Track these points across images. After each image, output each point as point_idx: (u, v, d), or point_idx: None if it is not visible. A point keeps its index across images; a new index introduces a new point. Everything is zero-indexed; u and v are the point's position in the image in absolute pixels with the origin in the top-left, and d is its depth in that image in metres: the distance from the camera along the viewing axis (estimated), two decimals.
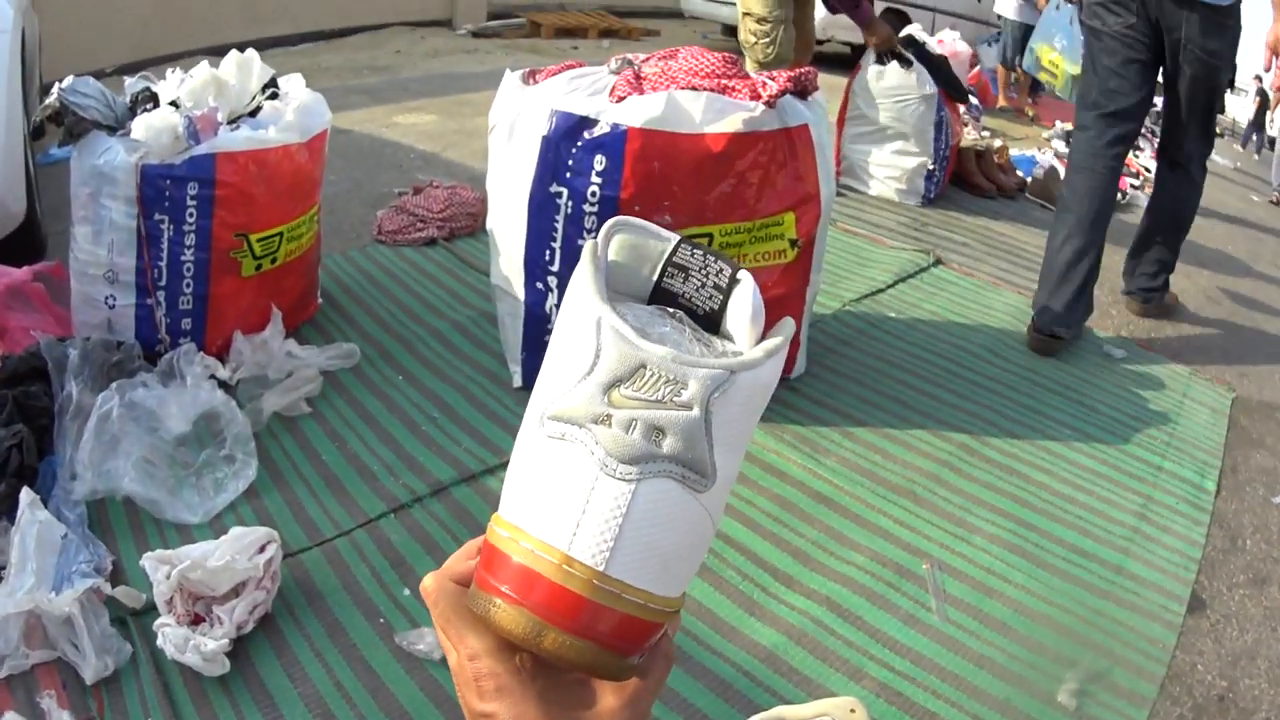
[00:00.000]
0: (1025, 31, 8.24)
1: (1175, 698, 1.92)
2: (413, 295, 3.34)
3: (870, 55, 4.84)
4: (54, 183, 3.41)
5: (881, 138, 4.93)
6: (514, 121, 2.53)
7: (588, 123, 2.42)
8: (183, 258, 2.54)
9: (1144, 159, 7.10)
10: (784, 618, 1.98)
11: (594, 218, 2.44)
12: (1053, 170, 5.48)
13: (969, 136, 5.72)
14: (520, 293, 2.59)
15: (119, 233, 2.48)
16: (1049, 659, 1.95)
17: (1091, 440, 2.80)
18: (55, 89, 2.47)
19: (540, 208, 2.48)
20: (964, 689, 1.85)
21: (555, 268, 2.52)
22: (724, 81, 2.51)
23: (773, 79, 2.50)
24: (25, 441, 2.10)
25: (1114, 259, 4.57)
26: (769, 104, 2.44)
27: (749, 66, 4.15)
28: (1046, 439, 2.77)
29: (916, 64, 4.73)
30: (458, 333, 3.08)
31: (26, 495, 1.90)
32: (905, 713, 1.79)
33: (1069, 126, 7.24)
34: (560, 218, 2.47)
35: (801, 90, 2.57)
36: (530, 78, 2.62)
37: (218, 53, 2.80)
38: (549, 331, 2.59)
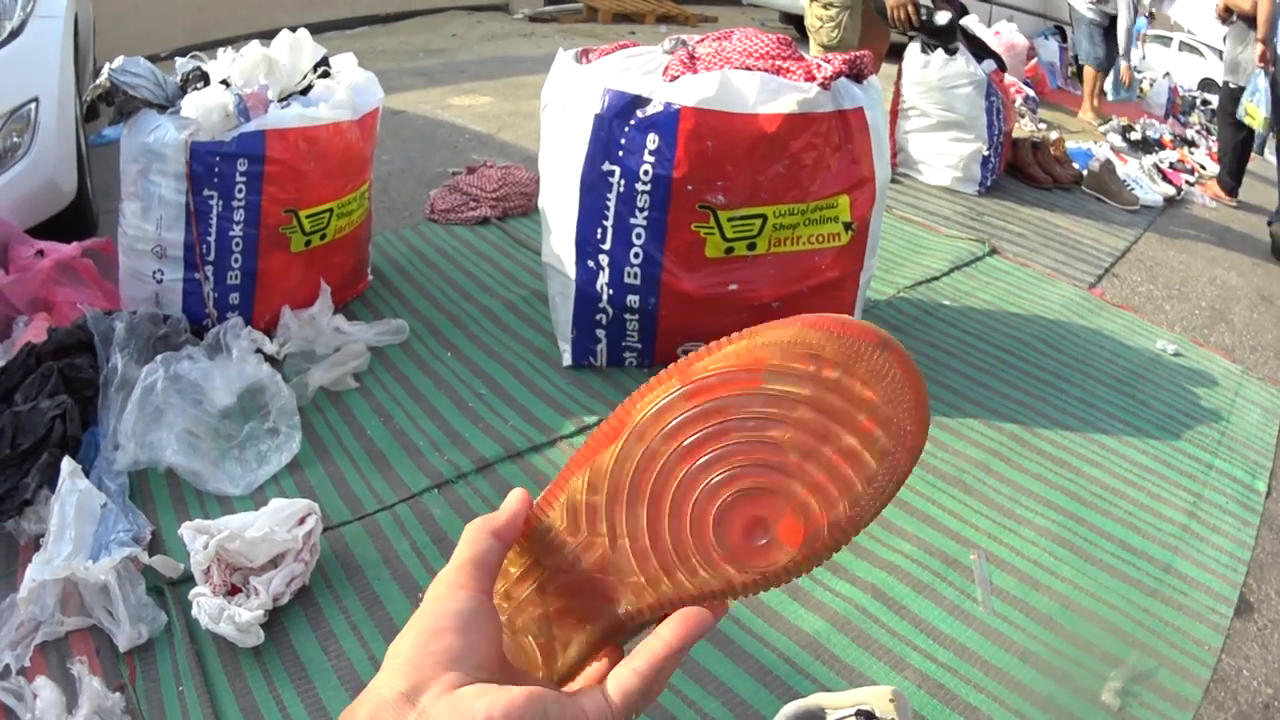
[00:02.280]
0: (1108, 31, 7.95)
1: (1220, 703, 1.85)
2: (464, 273, 3.31)
3: (915, 45, 4.76)
4: (105, 163, 3.41)
5: (935, 126, 4.85)
6: (567, 100, 2.50)
7: (641, 101, 2.39)
8: (231, 233, 2.53)
9: (1199, 155, 6.99)
10: (828, 604, 1.94)
11: (646, 196, 2.41)
12: (1108, 164, 5.36)
13: (1025, 128, 5.63)
14: (571, 271, 2.56)
15: (168, 208, 2.48)
16: (1095, 656, 1.89)
17: (1143, 435, 2.72)
18: (105, 69, 2.46)
19: (592, 187, 2.45)
20: (1007, 683, 1.79)
21: (607, 246, 2.48)
22: (778, 63, 2.46)
23: (827, 61, 2.45)
24: (69, 412, 2.10)
25: (1169, 254, 4.51)
26: (824, 85, 2.39)
27: (813, 50, 4.11)
28: (1098, 432, 2.70)
29: (963, 49, 4.64)
30: (508, 311, 3.05)
31: (67, 464, 1.90)
32: (946, 705, 1.74)
33: (1124, 121, 7.14)
34: (612, 196, 2.43)
35: (857, 74, 2.51)
36: (583, 57, 2.59)
37: (272, 37, 2.79)
38: (600, 310, 2.62)
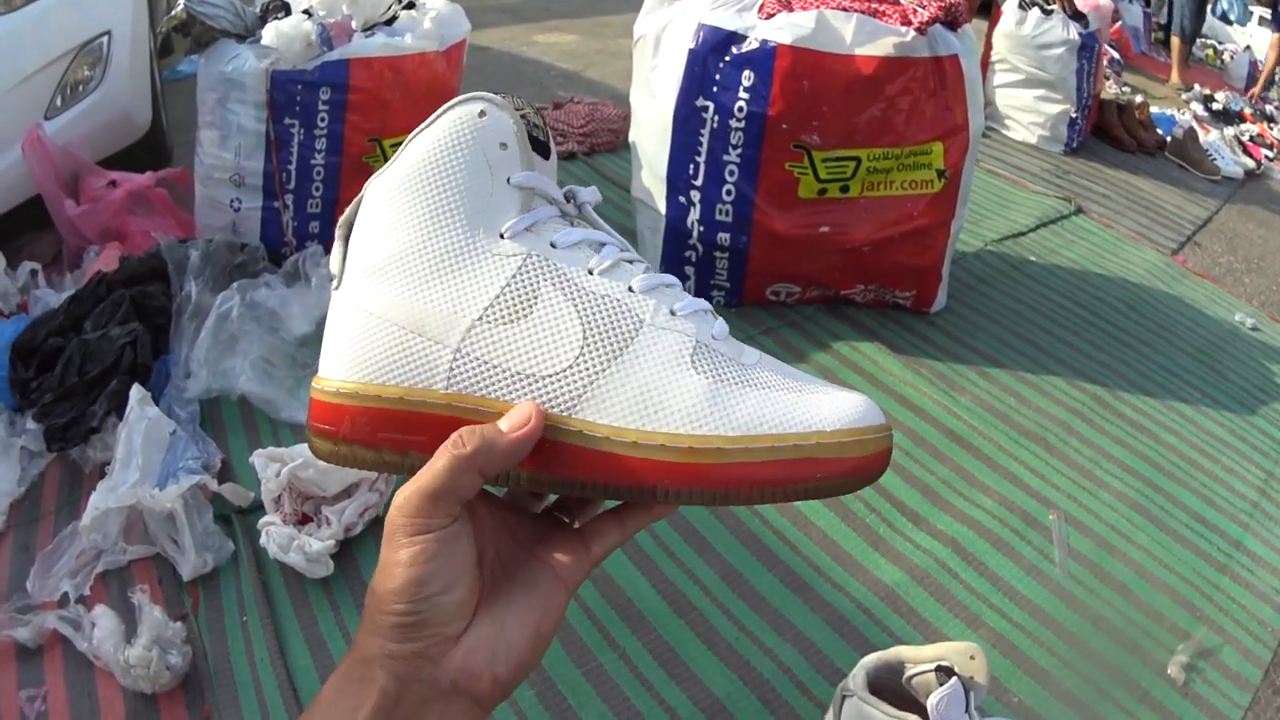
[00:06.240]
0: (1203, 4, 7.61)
1: (1277, 687, 1.74)
2: None
3: (1013, 0, 4.60)
4: (181, 97, 3.36)
5: (1024, 83, 4.67)
6: (659, 34, 2.42)
7: (736, 38, 2.30)
8: (313, 161, 2.46)
9: (1278, 131, 6.75)
10: (908, 556, 1.85)
11: (740, 134, 2.32)
12: (1192, 131, 5.14)
13: (1110, 90, 5.45)
14: (661, 206, 2.49)
15: (246, 137, 2.41)
16: (1164, 628, 1.79)
17: (1221, 407, 2.60)
18: (181, 0, 2.39)
19: (685, 122, 2.37)
20: (1078, 648, 1.71)
21: (699, 183, 2.41)
22: (873, 5, 2.36)
23: (924, 6, 2.34)
24: (140, 339, 2.02)
25: (1249, 227, 4.33)
26: (920, 30, 2.29)
27: None
28: (1177, 400, 2.58)
29: (1058, 9, 4.47)
30: None
31: (136, 392, 1.83)
32: (1017, 666, 1.65)
33: (1207, 90, 6.90)
34: (705, 133, 2.35)
35: (951, 21, 2.39)
36: None
37: None
38: (689, 247, 2.53)
